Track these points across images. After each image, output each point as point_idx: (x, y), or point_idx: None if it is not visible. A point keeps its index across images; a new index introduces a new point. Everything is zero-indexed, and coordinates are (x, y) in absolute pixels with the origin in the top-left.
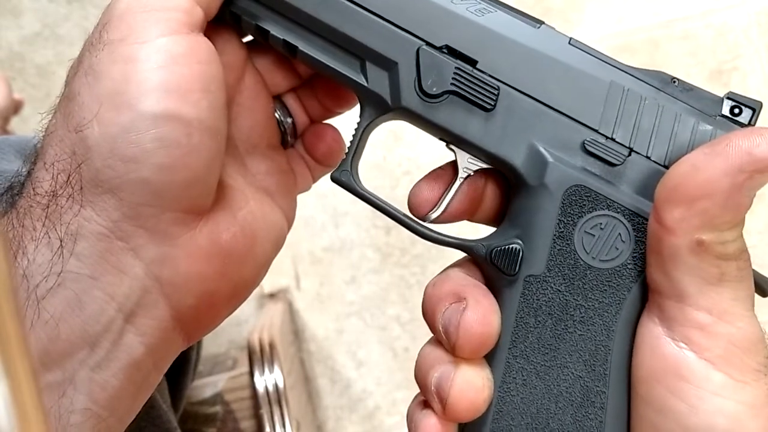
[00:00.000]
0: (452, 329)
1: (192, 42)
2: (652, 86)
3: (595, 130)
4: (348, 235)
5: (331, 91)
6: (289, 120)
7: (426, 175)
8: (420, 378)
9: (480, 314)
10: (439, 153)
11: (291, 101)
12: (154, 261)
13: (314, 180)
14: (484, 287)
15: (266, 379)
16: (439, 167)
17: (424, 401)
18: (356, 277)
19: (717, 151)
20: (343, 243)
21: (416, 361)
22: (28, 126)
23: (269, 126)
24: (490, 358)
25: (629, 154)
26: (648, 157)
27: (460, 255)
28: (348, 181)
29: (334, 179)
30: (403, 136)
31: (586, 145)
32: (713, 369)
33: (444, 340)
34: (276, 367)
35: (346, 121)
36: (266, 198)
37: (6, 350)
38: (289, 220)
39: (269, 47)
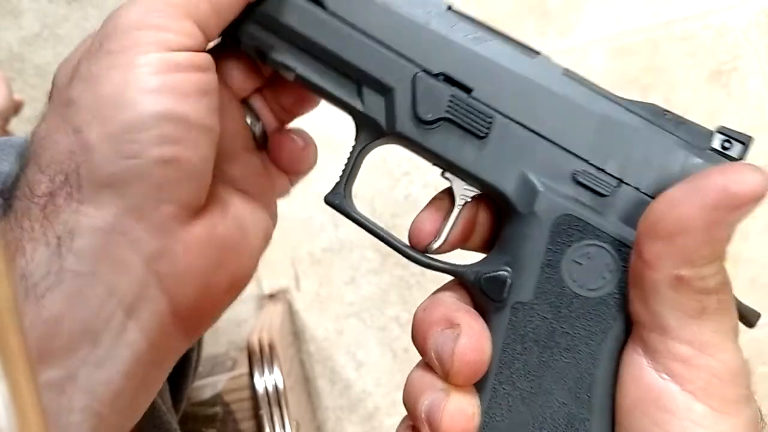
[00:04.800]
0: (446, 357)
1: (191, 54)
2: (644, 118)
3: (586, 161)
4: (347, 236)
5: (290, 92)
6: (259, 124)
7: (426, 207)
8: (409, 404)
9: (474, 341)
10: None
11: (258, 104)
12: (153, 255)
13: (292, 183)
14: (475, 312)
15: (266, 380)
16: (436, 196)
17: (412, 426)
18: (356, 277)
19: (695, 187)
20: (342, 244)
21: (405, 386)
22: (28, 127)
23: (242, 130)
24: (476, 384)
25: (618, 185)
26: (637, 189)
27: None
28: (341, 204)
29: (327, 202)
30: None
31: (576, 176)
32: (695, 400)
33: (437, 366)
34: (276, 368)
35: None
36: (248, 199)
37: (5, 350)
38: (273, 221)
39: (230, 51)
